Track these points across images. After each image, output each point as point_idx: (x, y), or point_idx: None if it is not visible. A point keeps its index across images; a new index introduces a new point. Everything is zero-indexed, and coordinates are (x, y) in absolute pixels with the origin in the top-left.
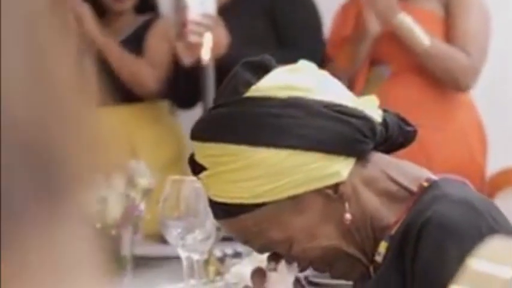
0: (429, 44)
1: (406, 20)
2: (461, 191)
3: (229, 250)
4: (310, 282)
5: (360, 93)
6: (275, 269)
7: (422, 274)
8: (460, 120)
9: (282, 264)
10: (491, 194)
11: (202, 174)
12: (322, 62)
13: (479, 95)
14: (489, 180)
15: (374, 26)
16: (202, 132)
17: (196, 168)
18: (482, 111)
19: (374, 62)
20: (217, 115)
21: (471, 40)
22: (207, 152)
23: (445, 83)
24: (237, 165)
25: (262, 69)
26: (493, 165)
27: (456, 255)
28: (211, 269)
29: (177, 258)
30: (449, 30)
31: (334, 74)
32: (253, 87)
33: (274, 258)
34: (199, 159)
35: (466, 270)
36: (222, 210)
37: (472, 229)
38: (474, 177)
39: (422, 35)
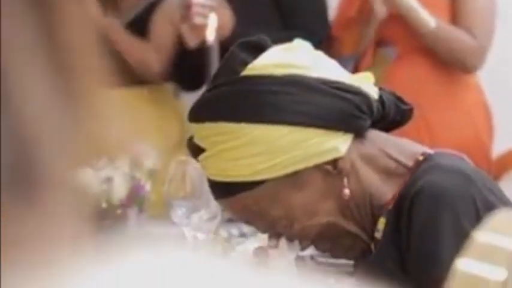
0: (434, 26)
1: (411, 2)
2: (455, 162)
3: (234, 230)
4: (315, 262)
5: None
6: (276, 246)
7: (417, 244)
8: (466, 101)
9: (283, 241)
10: (497, 176)
11: (202, 156)
12: (327, 44)
13: (485, 76)
14: (495, 162)
15: (381, 9)
16: (199, 113)
17: (196, 150)
18: (489, 93)
19: (380, 43)
20: (214, 95)
21: (477, 21)
22: (205, 132)
23: (452, 65)
24: (236, 143)
25: (258, 49)
26: (499, 147)
27: (449, 222)
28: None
29: (183, 238)
30: (455, 12)
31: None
32: (250, 66)
33: (275, 235)
34: (198, 140)
35: (473, 243)
36: (222, 190)
37: (464, 195)
38: (480, 158)
39: (427, 17)
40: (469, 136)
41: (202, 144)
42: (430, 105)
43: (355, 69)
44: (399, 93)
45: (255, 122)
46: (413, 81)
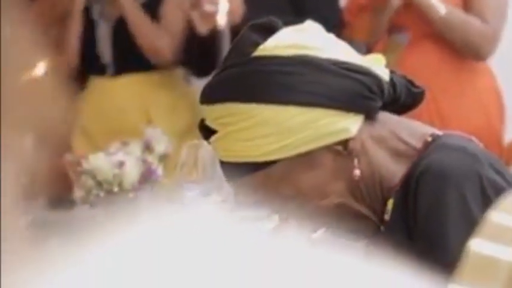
0: (444, 12)
1: None
2: (463, 142)
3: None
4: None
5: None
6: (287, 219)
7: (424, 223)
8: (478, 86)
9: (293, 222)
10: (508, 161)
11: (213, 138)
12: (338, 30)
13: (496, 62)
14: (507, 147)
15: None
16: (210, 94)
17: (207, 132)
18: (500, 79)
19: (392, 29)
20: (225, 76)
21: (489, 7)
22: (216, 113)
23: (464, 51)
24: (247, 124)
25: (269, 31)
26: (511, 133)
27: (455, 199)
28: None
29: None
30: None
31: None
32: (260, 47)
33: (286, 216)
34: (209, 122)
35: (486, 223)
36: (234, 171)
37: (469, 173)
38: (491, 143)
39: (437, 4)
40: (481, 122)
41: (213, 125)
42: (441, 91)
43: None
44: (411, 79)
45: (266, 103)
46: (425, 67)
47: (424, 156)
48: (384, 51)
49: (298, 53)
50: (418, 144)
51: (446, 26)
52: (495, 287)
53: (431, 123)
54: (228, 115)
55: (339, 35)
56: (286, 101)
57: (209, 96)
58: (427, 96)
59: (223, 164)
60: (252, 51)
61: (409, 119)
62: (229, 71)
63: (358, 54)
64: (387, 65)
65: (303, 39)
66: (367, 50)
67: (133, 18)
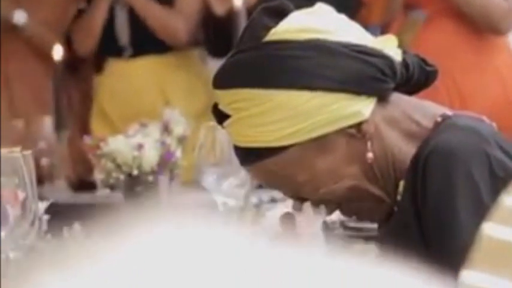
0: None
1: None
2: (472, 122)
3: (265, 197)
4: (345, 227)
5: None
6: (300, 209)
7: (433, 203)
8: (496, 62)
9: (308, 205)
10: None
11: (227, 122)
12: (354, 11)
13: None
14: None
15: None
16: (223, 79)
17: (221, 116)
18: None
19: (408, 6)
20: (237, 61)
21: None
22: (229, 98)
23: (483, 26)
24: (259, 109)
25: (281, 14)
26: None
27: (463, 178)
28: (248, 214)
29: (215, 204)
30: None
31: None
32: (272, 31)
33: (301, 200)
34: (223, 106)
35: (499, 207)
36: (248, 156)
37: (476, 151)
38: (510, 119)
39: None
40: (499, 97)
41: (226, 110)
42: (460, 67)
43: (383, 33)
44: (429, 57)
45: (278, 88)
46: (443, 44)
47: (433, 136)
48: (401, 30)
49: (310, 37)
50: (429, 124)
51: (466, 1)
52: (509, 272)
53: (450, 101)
54: (240, 100)
55: (355, 15)
56: (299, 85)
57: (221, 82)
58: (446, 73)
59: (237, 148)
60: (264, 36)
61: (421, 99)
62: (241, 55)
63: (371, 36)
64: (405, 44)
65: (315, 22)
66: (384, 29)
67: (140, 7)
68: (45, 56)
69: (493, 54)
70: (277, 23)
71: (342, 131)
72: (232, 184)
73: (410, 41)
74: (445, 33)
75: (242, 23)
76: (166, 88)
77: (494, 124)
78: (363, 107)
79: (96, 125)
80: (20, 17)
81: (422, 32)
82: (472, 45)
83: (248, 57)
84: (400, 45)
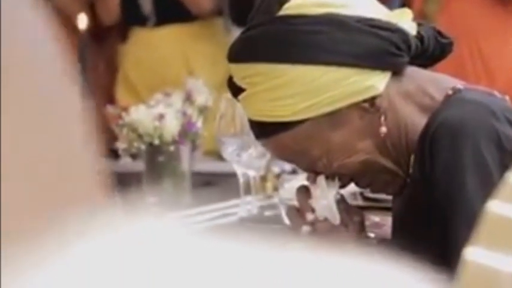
0: None
1: None
2: (481, 97)
3: (287, 166)
4: (365, 198)
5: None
6: (315, 182)
7: (441, 177)
8: None
9: (322, 178)
10: None
11: (241, 96)
12: None
13: None
14: None
15: None
16: (237, 54)
17: (235, 90)
18: None
19: None
20: (251, 36)
21: None
22: (243, 72)
23: None
24: (273, 84)
25: None
26: None
27: (471, 152)
28: (269, 185)
29: (235, 174)
30: None
31: None
32: (286, 6)
33: (315, 173)
34: (237, 80)
35: (505, 185)
36: (262, 130)
37: (483, 125)
38: None
39: None
40: None
41: (241, 84)
42: (485, 36)
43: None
44: (454, 26)
45: (292, 63)
46: (468, 14)
47: (441, 110)
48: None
49: (323, 11)
50: (440, 97)
51: None
52: None
53: (475, 70)
54: (254, 75)
55: None
56: (313, 60)
57: (235, 56)
58: (470, 39)
59: (251, 122)
60: (277, 10)
61: (434, 72)
62: (254, 30)
63: (385, 9)
64: (430, 13)
65: None
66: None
67: None
68: (70, 25)
69: None
70: None
71: (355, 106)
72: (252, 155)
73: (435, 11)
74: (471, 4)
75: None
76: (190, 57)
77: (507, 97)
78: (377, 82)
79: (121, 93)
80: None
81: (447, 3)
82: (497, 13)
83: (261, 32)
84: (425, 13)
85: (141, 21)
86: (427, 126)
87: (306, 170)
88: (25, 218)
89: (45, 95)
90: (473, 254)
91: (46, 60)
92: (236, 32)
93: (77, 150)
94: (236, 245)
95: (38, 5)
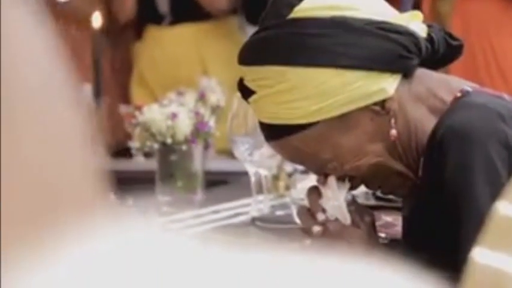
0: None
1: None
2: (489, 100)
3: (299, 166)
4: (377, 197)
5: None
6: (324, 183)
7: (449, 180)
8: None
9: (332, 179)
10: None
11: (252, 98)
12: None
13: None
14: None
15: None
16: (247, 56)
17: (246, 92)
18: None
19: None
20: (261, 38)
21: None
22: (253, 75)
23: None
24: (283, 87)
25: None
26: None
27: (479, 155)
28: (281, 184)
29: (247, 173)
30: None
31: None
32: (296, 9)
33: (324, 174)
34: (247, 82)
35: None
36: (272, 132)
37: (491, 127)
38: None
39: None
40: None
41: (251, 86)
42: (498, 36)
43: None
44: (467, 27)
45: (302, 66)
46: (482, 14)
47: (449, 113)
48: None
49: (334, 14)
50: (449, 99)
51: None
52: None
53: (488, 68)
54: (265, 77)
55: None
56: (323, 64)
57: (246, 58)
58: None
59: (261, 124)
60: (288, 13)
61: (444, 75)
62: (265, 33)
63: (395, 11)
64: (444, 13)
65: None
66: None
67: None
68: (85, 23)
69: None
70: (300, 0)
71: (366, 108)
72: (264, 154)
73: (448, 10)
74: (483, 2)
75: None
76: (205, 56)
77: None
78: (387, 85)
79: (136, 92)
80: None
81: (459, 2)
82: (510, 11)
83: (271, 35)
84: (438, 14)
85: (156, 19)
86: (436, 128)
87: (316, 172)
88: (25, 220)
89: (45, 101)
90: (480, 254)
91: (46, 67)
92: (251, 31)
93: (77, 151)
94: (233, 254)
95: (41, 14)
